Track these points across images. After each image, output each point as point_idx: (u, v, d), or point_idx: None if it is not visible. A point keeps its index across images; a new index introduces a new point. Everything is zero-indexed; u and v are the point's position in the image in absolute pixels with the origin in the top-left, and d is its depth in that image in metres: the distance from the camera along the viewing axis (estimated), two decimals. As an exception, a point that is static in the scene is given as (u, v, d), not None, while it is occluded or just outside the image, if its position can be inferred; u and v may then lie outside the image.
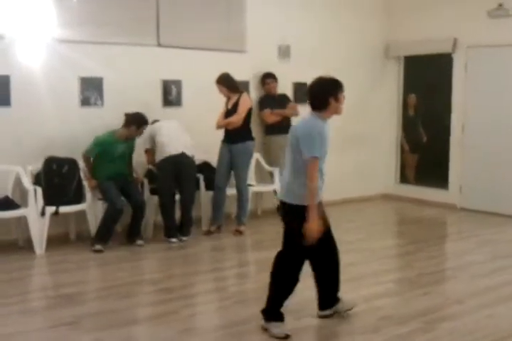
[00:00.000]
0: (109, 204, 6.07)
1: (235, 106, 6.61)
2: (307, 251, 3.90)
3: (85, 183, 6.18)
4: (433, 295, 4.81)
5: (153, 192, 6.52)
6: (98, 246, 5.97)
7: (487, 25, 7.87)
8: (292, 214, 3.88)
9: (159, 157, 6.30)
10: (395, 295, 4.87)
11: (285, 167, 4.04)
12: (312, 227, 3.73)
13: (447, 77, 8.46)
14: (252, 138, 6.80)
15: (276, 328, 3.92)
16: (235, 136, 6.65)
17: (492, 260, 5.84)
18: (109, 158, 6.18)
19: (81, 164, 6.27)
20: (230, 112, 6.64)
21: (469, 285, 5.07)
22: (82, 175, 6.23)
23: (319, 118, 3.90)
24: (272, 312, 3.97)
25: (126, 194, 6.23)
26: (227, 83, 6.65)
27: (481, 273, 5.41)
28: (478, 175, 8.13)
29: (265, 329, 3.95)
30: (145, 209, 6.29)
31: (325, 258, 4.14)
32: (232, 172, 6.78)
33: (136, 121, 6.24)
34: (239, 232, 6.74)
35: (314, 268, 4.16)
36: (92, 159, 6.22)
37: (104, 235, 6.04)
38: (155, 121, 6.55)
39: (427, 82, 9.32)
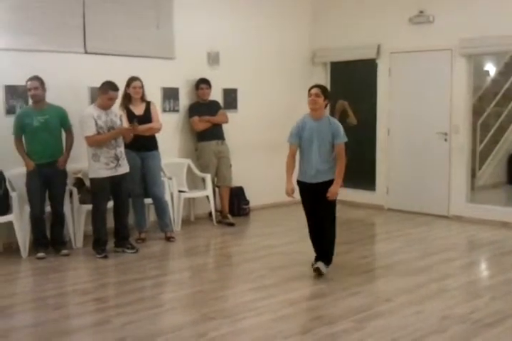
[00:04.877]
0: (31, 210, 6.01)
1: (147, 112, 6.63)
2: None
3: (12, 194, 6.02)
4: (363, 294, 4.93)
5: (82, 201, 6.42)
6: (40, 254, 5.94)
7: (409, 32, 8.17)
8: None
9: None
10: (326, 295, 4.96)
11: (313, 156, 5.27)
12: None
13: (372, 82, 8.71)
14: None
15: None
16: (149, 143, 6.65)
17: (420, 258, 6.04)
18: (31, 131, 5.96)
19: (7, 174, 6.10)
20: (142, 118, 6.50)
21: (398, 283, 5.21)
22: (7, 185, 6.07)
23: None
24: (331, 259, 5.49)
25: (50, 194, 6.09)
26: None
27: (410, 271, 5.59)
28: (403, 177, 8.41)
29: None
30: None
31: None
32: (149, 180, 6.70)
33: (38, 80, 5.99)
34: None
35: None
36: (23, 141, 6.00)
37: (40, 242, 6.01)
38: None
39: (353, 87, 9.52)
